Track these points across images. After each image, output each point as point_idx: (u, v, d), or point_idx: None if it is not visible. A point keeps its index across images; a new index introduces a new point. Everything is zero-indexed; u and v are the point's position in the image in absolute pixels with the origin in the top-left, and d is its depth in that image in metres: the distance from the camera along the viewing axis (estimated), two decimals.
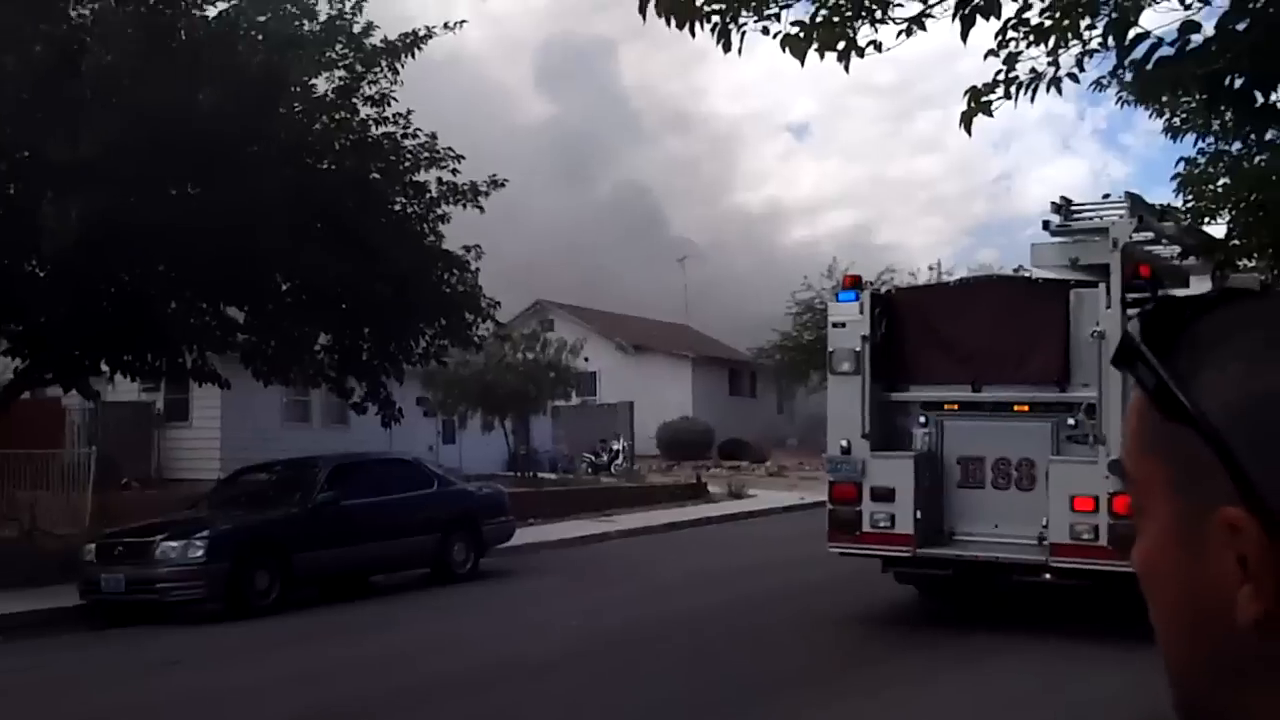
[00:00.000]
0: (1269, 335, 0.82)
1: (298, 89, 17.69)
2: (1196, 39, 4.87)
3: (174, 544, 14.93)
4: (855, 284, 12.99)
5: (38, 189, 15.42)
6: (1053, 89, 7.24)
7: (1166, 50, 4.91)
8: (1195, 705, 0.86)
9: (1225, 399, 0.80)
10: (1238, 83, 4.90)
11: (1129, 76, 7.62)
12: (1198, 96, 7.92)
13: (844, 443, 12.60)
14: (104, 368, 19.32)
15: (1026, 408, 12.30)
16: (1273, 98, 4.96)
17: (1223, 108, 5.40)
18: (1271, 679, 0.79)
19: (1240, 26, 4.62)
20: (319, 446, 22.69)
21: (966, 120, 7.32)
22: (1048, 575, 11.96)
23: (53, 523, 19.98)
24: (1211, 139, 14.50)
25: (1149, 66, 5.01)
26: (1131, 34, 4.94)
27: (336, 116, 18.40)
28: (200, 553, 14.79)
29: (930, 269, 45.40)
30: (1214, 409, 0.79)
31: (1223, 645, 0.81)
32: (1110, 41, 5.41)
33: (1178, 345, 0.83)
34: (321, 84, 18.35)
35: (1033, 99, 7.21)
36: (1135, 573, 0.87)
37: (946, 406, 12.69)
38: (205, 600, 14.77)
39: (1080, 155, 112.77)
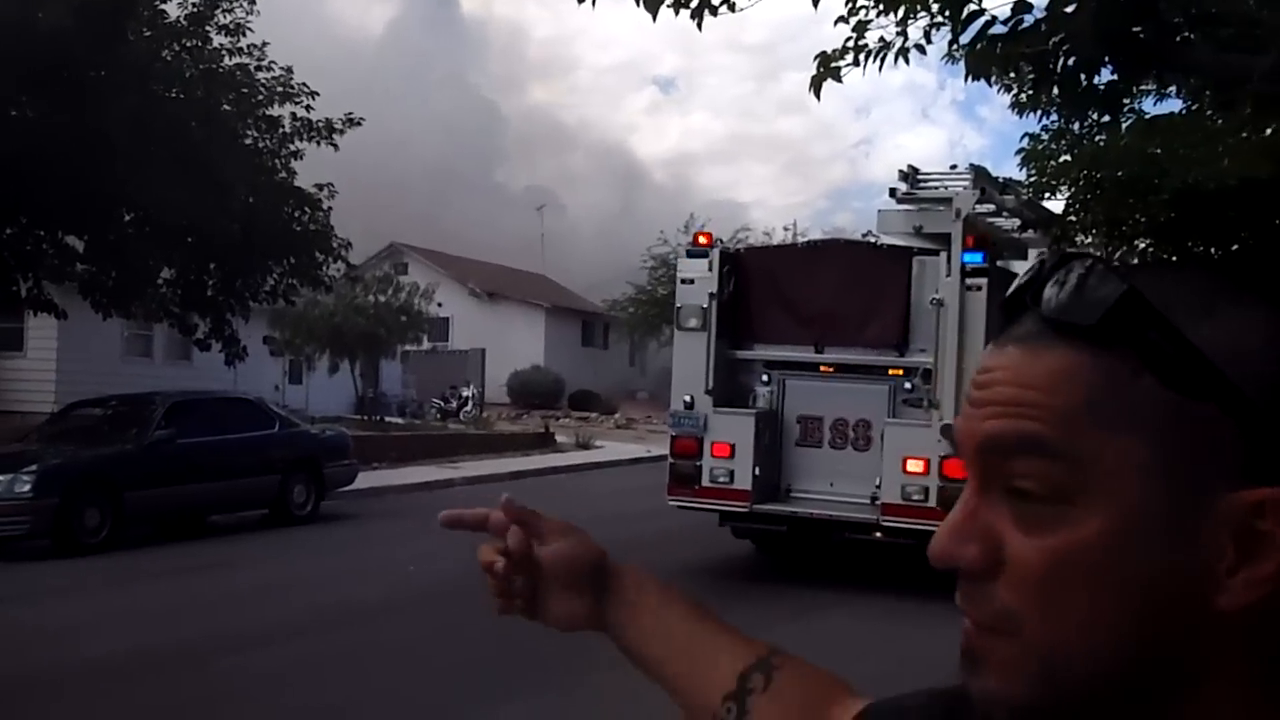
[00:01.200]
0: (1203, 300, 0.78)
1: (147, 13, 17.16)
2: (1029, 19, 5.03)
3: (0, 477, 14.49)
4: (708, 242, 13.12)
5: None
6: (900, 59, 7.40)
7: (1000, 28, 5.05)
8: (1088, 707, 0.80)
9: (1252, 371, 0.75)
10: (1068, 63, 5.07)
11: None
12: (1029, 75, 8.16)
13: (687, 398, 12.76)
14: None
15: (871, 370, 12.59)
16: (1096, 80, 5.15)
17: (1053, 88, 5.60)
18: (1219, 671, 0.78)
19: (1069, 9, 4.79)
20: (161, 383, 22.19)
21: (816, 85, 7.45)
22: (879, 534, 12.30)
23: None
24: (1055, 116, 14.96)
25: (981, 43, 5.15)
26: (967, 10, 5.08)
27: (188, 44, 17.92)
28: (27, 487, 14.36)
29: (785, 229, 45.92)
30: (1246, 382, 0.75)
31: (1175, 637, 0.77)
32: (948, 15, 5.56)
33: (1179, 305, 0.78)
34: (173, 9, 17.85)
35: (880, 67, 7.37)
36: (1048, 564, 0.78)
37: (783, 366, 12.92)
38: (31, 536, 14.37)
39: (939, 124, 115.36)
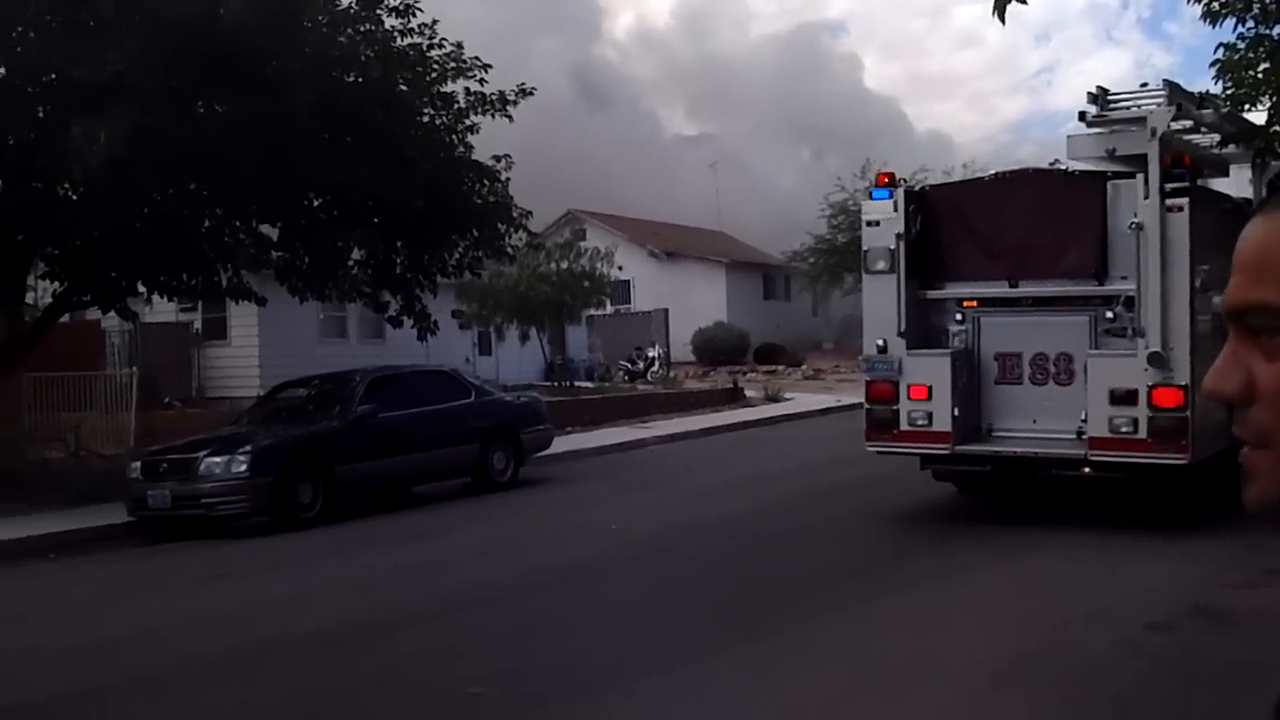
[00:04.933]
0: None
1: (321, 1, 17.54)
2: None
3: (218, 459, 15.10)
4: (889, 182, 12.84)
5: (67, 112, 15.42)
6: None
7: None
8: None
9: None
10: None
11: None
12: None
13: (880, 342, 12.55)
14: (141, 288, 19.46)
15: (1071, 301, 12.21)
16: None
17: None
18: None
19: None
20: (356, 361, 22.84)
21: (1000, 7, 7.16)
22: (1086, 469, 11.94)
23: (98, 443, 20.29)
24: (1251, 24, 14.21)
25: None
26: None
27: (361, 29, 18.25)
28: (244, 467, 14.95)
29: (964, 167, 44.86)
30: None
31: None
32: None
33: None
34: None
35: None
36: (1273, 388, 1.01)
37: (976, 303, 12.61)
38: (250, 514, 14.95)
39: (1124, 45, 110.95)
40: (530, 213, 21.02)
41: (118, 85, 14.76)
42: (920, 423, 12.36)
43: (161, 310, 25.33)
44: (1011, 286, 12.41)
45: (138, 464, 15.81)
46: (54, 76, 16.12)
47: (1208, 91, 13.80)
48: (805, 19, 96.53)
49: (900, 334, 12.46)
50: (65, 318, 21.05)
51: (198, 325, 30.26)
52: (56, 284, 19.28)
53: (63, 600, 11.62)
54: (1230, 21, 14.05)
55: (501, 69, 19.84)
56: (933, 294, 12.79)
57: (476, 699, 7.49)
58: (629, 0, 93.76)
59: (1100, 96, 12.03)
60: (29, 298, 20.58)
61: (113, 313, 20.22)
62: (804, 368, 42.27)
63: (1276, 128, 14.38)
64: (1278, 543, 10.36)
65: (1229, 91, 14.59)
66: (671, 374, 39.64)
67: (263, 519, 14.97)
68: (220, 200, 17.74)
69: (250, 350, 29.05)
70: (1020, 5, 7.26)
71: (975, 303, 12.64)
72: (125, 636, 9.81)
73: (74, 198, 17.22)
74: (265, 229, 19.27)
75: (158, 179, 16.61)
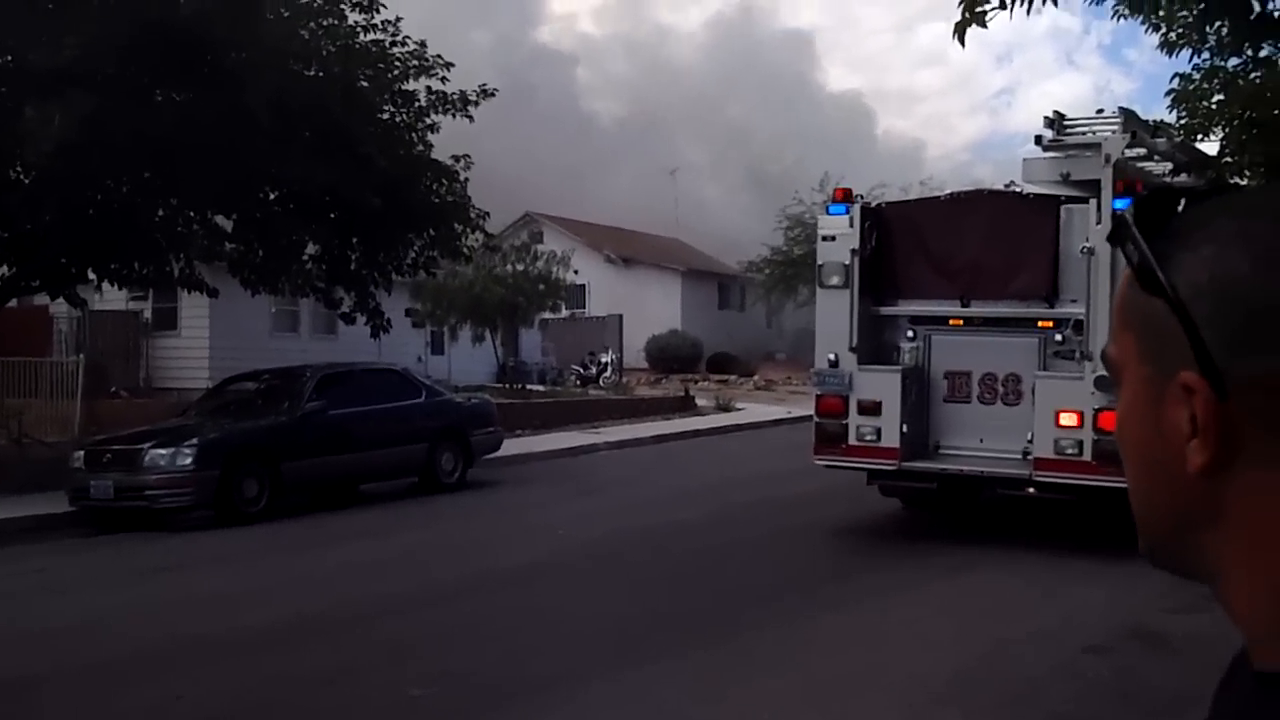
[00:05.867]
0: (1243, 224, 0.90)
1: None
2: None
3: (163, 451, 14.98)
4: (846, 197, 12.92)
5: (21, 94, 15.26)
6: (1049, 1, 7.18)
7: None
8: (1157, 546, 1.00)
9: (1193, 277, 0.89)
10: None
11: None
12: (1195, 9, 7.85)
13: (832, 356, 12.63)
14: (91, 275, 19.26)
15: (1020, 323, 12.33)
16: (1270, 6, 4.91)
17: (1219, 21, 5.35)
18: (1213, 519, 0.92)
19: None
20: (307, 356, 22.73)
21: (960, 30, 7.27)
22: (1031, 489, 12.05)
23: (42, 430, 20.01)
24: (1207, 55, 14.42)
25: None
26: None
27: (324, 22, 18.17)
28: (189, 460, 14.84)
29: (921, 184, 45.17)
30: (1182, 284, 0.89)
31: (1177, 492, 0.93)
32: None
33: (1166, 229, 0.92)
34: None
35: (1028, 11, 7.16)
36: (1113, 429, 1.01)
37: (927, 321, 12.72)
38: (194, 507, 14.85)
39: (1084, 70, 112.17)
40: (488, 214, 20.99)
41: (74, 70, 14.62)
42: (869, 438, 12.44)
43: (111, 298, 25.08)
44: (963, 305, 12.52)
45: (81, 453, 15.65)
46: (9, 59, 15.94)
47: (1162, 120, 14.00)
48: (770, 29, 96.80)
49: (852, 349, 12.55)
50: (13, 303, 20.79)
51: (148, 314, 30.00)
52: (5, 268, 19.05)
53: (1, 588, 11.48)
54: (1186, 53, 14.26)
55: (468, 69, 19.81)
56: (885, 310, 12.88)
57: (416, 700, 7.47)
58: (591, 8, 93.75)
59: (1057, 121, 12.17)
60: None
61: (61, 299, 20.01)
62: (756, 378, 42.41)
63: (1228, 158, 14.60)
64: None
65: (1183, 121, 14.81)
66: (624, 380, 39.67)
67: (207, 513, 14.87)
68: (174, 190, 17.59)
69: (200, 342, 28.83)
70: (980, 29, 7.36)
71: (927, 320, 12.74)
72: (65, 626, 9.73)
73: (25, 181, 17.02)
74: (220, 220, 19.13)
75: (111, 166, 16.47)
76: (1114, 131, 11.83)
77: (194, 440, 15.22)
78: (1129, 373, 0.96)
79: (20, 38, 15.26)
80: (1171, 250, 0.90)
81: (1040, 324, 12.16)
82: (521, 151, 51.04)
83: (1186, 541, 0.96)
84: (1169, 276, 0.89)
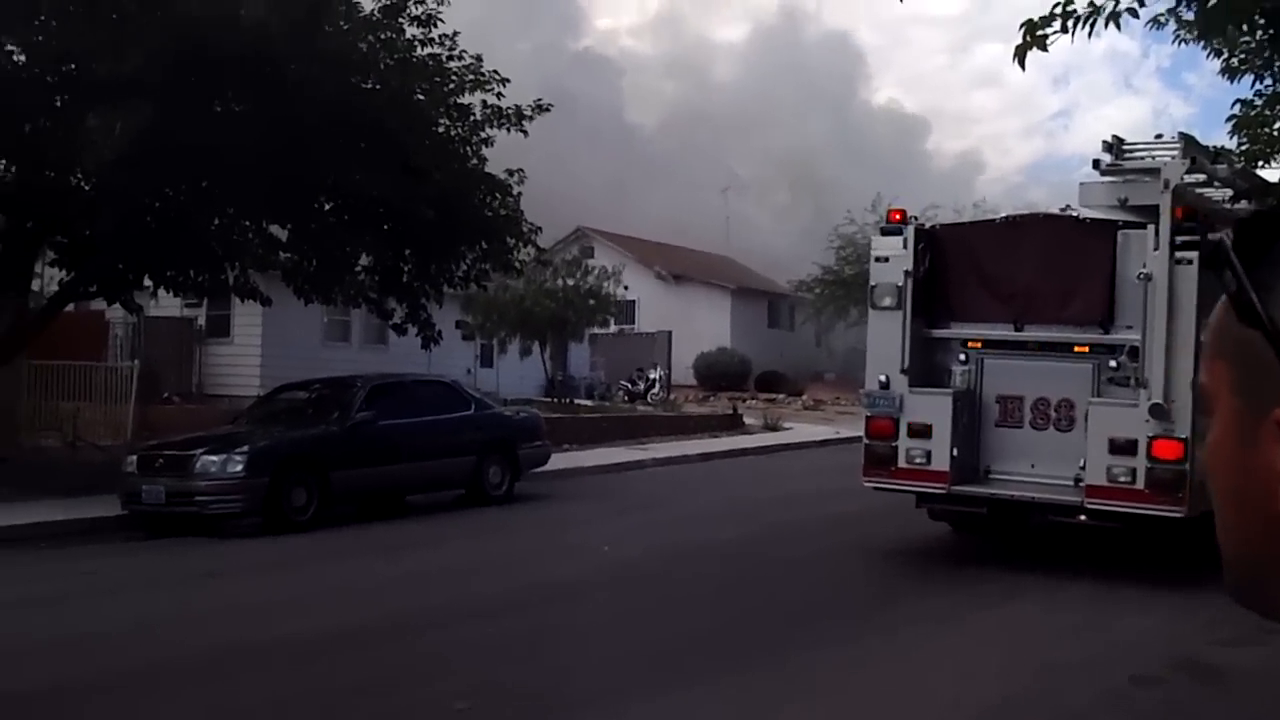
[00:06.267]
0: None
1: (343, 6, 17.60)
2: None
3: (214, 458, 15.10)
4: (900, 219, 12.86)
5: (83, 103, 15.47)
6: (1111, 24, 7.11)
7: None
8: (1244, 585, 0.97)
9: None
10: None
11: (1190, 13, 7.46)
12: (1260, 34, 7.75)
13: (883, 378, 12.55)
14: (147, 282, 19.46)
15: (1075, 348, 12.20)
16: None
17: None
18: None
19: None
20: (357, 366, 22.85)
21: (1020, 54, 7.20)
22: (1082, 516, 11.92)
23: (95, 434, 20.28)
24: (1270, 80, 14.22)
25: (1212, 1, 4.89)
26: None
27: (382, 36, 18.30)
28: (240, 467, 14.95)
29: (975, 206, 44.93)
30: None
31: (1268, 532, 0.91)
32: None
33: (1267, 256, 0.90)
34: (368, 2, 18.25)
35: (1090, 34, 7.09)
36: (1204, 461, 0.97)
37: (980, 344, 12.61)
38: (243, 514, 14.94)
39: (1142, 94, 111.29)
40: (540, 228, 21.06)
41: (136, 80, 14.80)
42: (918, 461, 12.34)
43: (166, 305, 25.31)
44: (1017, 330, 12.41)
45: (134, 458, 15.80)
46: (73, 67, 16.16)
47: (1223, 146, 13.81)
48: (828, 48, 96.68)
49: (903, 371, 12.46)
50: (70, 307, 21.05)
51: (201, 321, 30.27)
52: (63, 273, 19.30)
53: (53, 591, 11.59)
54: (1249, 78, 14.07)
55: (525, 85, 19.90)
56: (938, 333, 12.79)
57: (458, 713, 7.46)
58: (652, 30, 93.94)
59: (1115, 145, 12.04)
60: (35, 285, 20.59)
61: (117, 304, 20.23)
62: (804, 398, 42.26)
63: None
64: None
65: (1244, 147, 14.60)
66: (672, 396, 39.63)
67: (256, 520, 14.96)
68: (231, 199, 17.75)
69: (252, 349, 29.06)
70: (1040, 52, 7.30)
71: (980, 344, 12.64)
72: (115, 630, 9.81)
73: (85, 188, 17.25)
74: (274, 230, 19.30)
75: (169, 174, 16.65)
76: (1173, 157, 11.69)
77: (245, 448, 15.34)
78: (1220, 404, 0.94)
79: (84, 48, 15.47)
80: (1273, 281, 0.88)
81: (1095, 349, 12.03)
82: (569, 165, 51.20)
83: (1275, 583, 0.93)
84: (1268, 309, 0.87)
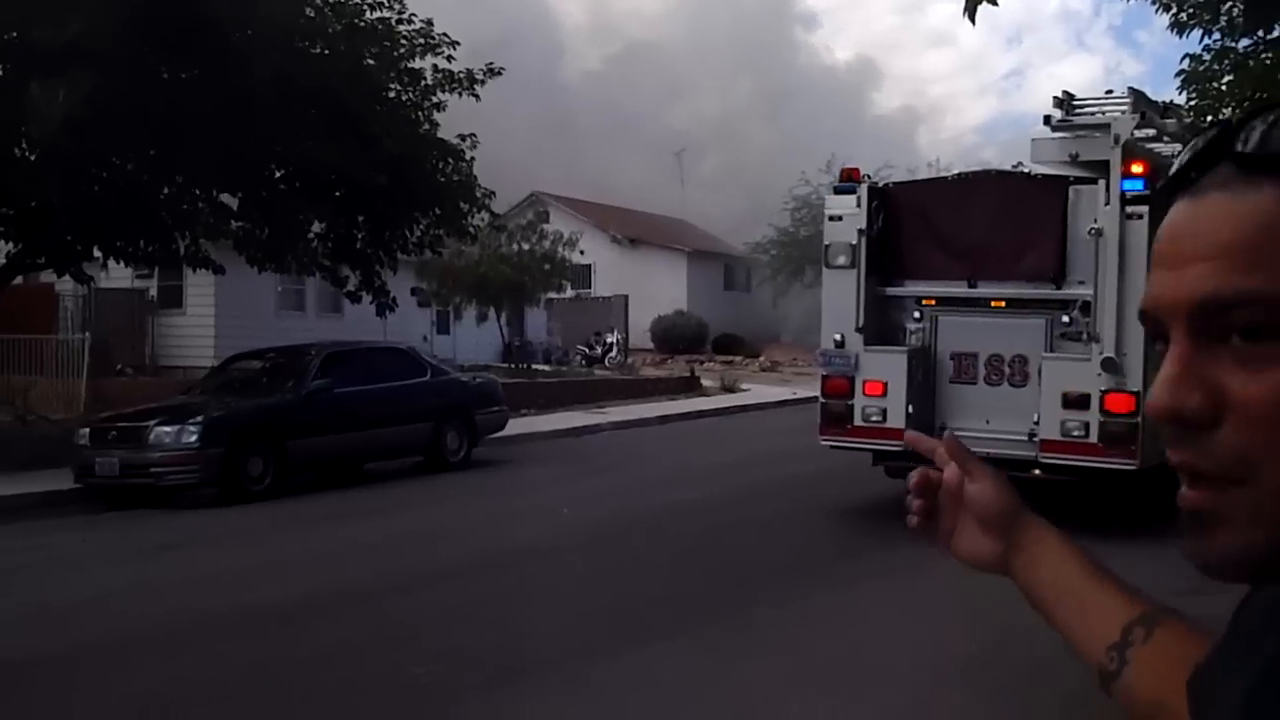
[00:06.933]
0: None
1: None
2: None
3: (168, 429, 14.98)
4: (854, 178, 12.88)
5: (25, 71, 15.22)
6: None
7: None
8: None
9: None
10: None
11: None
12: None
13: (838, 337, 12.59)
14: (97, 253, 19.23)
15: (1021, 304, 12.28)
16: None
17: (1230, 1, 5.30)
18: None
19: None
20: (313, 335, 22.71)
21: (971, 8, 7.18)
22: (1037, 471, 12.01)
23: (48, 408, 20.04)
24: (1218, 35, 14.33)
25: None
26: None
27: (329, 0, 18.10)
28: (194, 437, 14.84)
29: (929, 165, 45.03)
30: None
31: None
32: None
33: None
34: None
35: None
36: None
37: (935, 302, 12.67)
38: (199, 485, 14.86)
39: (1094, 51, 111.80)
40: (493, 193, 20.95)
41: (78, 47, 14.57)
42: (874, 419, 12.41)
43: (117, 276, 25.07)
44: (970, 286, 12.47)
45: (87, 430, 15.65)
46: (14, 35, 15.89)
47: (1172, 101, 13.91)
48: (777, 10, 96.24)
49: (858, 329, 12.51)
50: (18, 280, 20.78)
51: (153, 292, 29.96)
52: (10, 245, 19.03)
53: (7, 566, 11.48)
54: (1197, 33, 14.17)
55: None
56: (892, 291, 12.83)
57: (418, 679, 7.46)
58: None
59: (1066, 101, 12.08)
60: None
61: (67, 276, 19.99)
62: (761, 359, 42.38)
63: None
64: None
65: (1193, 102, 14.73)
66: (629, 360, 39.63)
67: (212, 490, 14.89)
68: (180, 167, 17.55)
69: (206, 320, 28.80)
70: (991, 6, 7.28)
71: (934, 301, 12.69)
72: (72, 604, 9.73)
73: (30, 158, 16.99)
74: (225, 198, 19.10)
75: (116, 143, 16.43)
76: (1123, 112, 11.76)
77: (199, 418, 15.22)
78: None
79: (24, 14, 15.21)
80: None
81: (1047, 305, 12.11)
82: (524, 131, 50.91)
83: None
84: None
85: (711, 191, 58.37)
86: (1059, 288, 12.01)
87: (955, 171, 14.87)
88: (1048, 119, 12.14)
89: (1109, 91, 12.56)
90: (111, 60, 14.95)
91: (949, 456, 1.50)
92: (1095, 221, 11.40)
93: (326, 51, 17.90)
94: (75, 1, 14.76)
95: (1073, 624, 1.38)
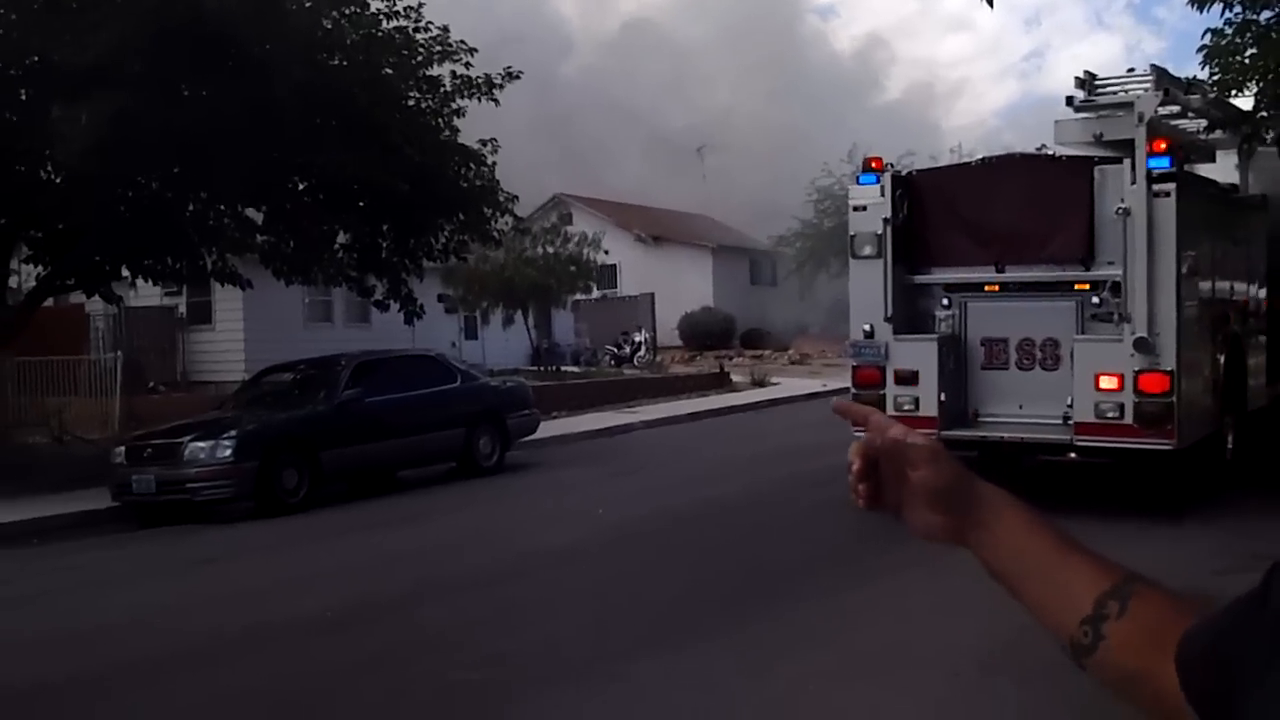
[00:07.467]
0: None
1: None
2: None
3: (202, 444, 15.05)
4: (877, 166, 12.82)
5: (48, 95, 15.32)
6: None
7: None
8: None
9: None
10: None
11: None
12: None
13: (867, 327, 12.55)
14: (125, 272, 19.36)
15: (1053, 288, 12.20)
16: None
17: None
18: None
19: None
20: (342, 345, 22.77)
21: None
22: (1072, 454, 11.95)
23: (82, 428, 20.21)
24: (1239, 9, 14.17)
25: None
26: None
27: (347, 11, 18.14)
28: (228, 452, 14.90)
29: (951, 151, 44.81)
30: None
31: None
32: None
33: None
34: None
35: None
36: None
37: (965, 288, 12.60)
38: (235, 499, 14.92)
39: (1114, 30, 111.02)
40: (516, 196, 20.98)
41: (100, 69, 14.65)
42: (906, 408, 12.35)
43: (146, 294, 25.23)
44: (998, 271, 12.40)
45: (122, 449, 15.74)
46: (36, 59, 15.99)
47: (1195, 77, 13.79)
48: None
49: (887, 319, 12.46)
50: (49, 302, 20.94)
51: (182, 309, 30.15)
52: (40, 268, 19.17)
53: (48, 586, 11.56)
54: (1218, 7, 14.01)
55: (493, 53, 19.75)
56: (919, 279, 12.77)
57: (461, 684, 7.47)
58: None
59: (1088, 81, 12.02)
60: (12, 282, 20.47)
61: (97, 296, 20.12)
62: (790, 352, 42.31)
63: (1263, 113, 14.36)
64: (1264, 528, 10.40)
65: (1216, 77, 14.56)
66: (658, 358, 39.64)
67: (248, 504, 14.94)
68: (205, 184, 17.65)
69: (235, 334, 28.97)
70: None
71: (962, 287, 12.63)
72: (111, 622, 9.77)
73: (57, 181, 17.11)
74: (250, 212, 19.19)
75: (141, 162, 16.52)
76: (1146, 90, 11.70)
77: (233, 432, 15.29)
78: None
79: (45, 39, 15.31)
80: None
81: (1077, 286, 12.03)
82: (545, 132, 50.95)
83: None
84: None
85: (733, 186, 58.27)
86: (1088, 269, 11.93)
87: (979, 156, 14.79)
88: (1070, 100, 12.09)
89: (1131, 70, 12.50)
90: (133, 80, 15.03)
91: (876, 430, 1.47)
92: (1122, 201, 11.32)
93: (346, 62, 17.95)
94: (95, 24, 14.85)
95: (1040, 597, 1.36)
